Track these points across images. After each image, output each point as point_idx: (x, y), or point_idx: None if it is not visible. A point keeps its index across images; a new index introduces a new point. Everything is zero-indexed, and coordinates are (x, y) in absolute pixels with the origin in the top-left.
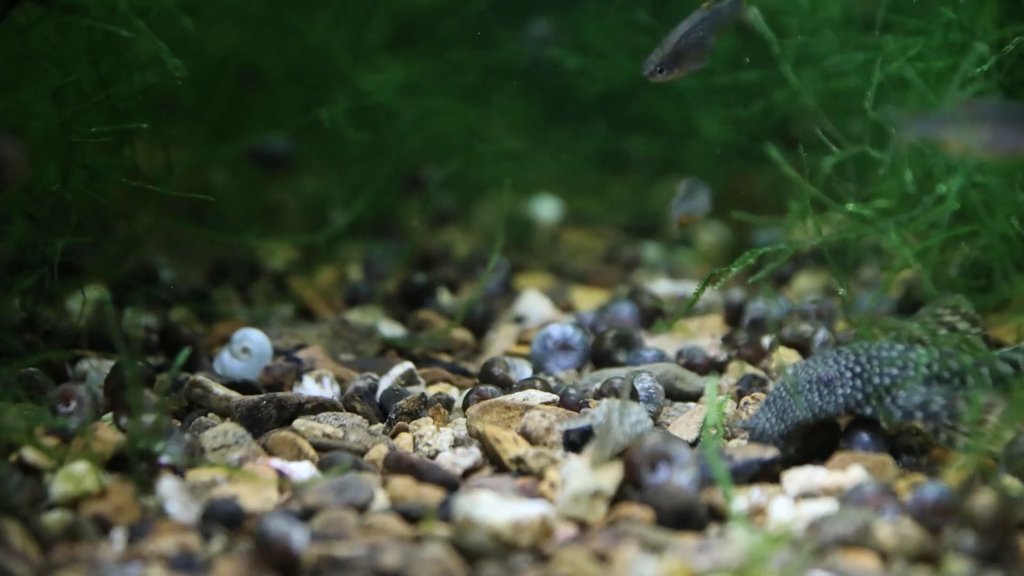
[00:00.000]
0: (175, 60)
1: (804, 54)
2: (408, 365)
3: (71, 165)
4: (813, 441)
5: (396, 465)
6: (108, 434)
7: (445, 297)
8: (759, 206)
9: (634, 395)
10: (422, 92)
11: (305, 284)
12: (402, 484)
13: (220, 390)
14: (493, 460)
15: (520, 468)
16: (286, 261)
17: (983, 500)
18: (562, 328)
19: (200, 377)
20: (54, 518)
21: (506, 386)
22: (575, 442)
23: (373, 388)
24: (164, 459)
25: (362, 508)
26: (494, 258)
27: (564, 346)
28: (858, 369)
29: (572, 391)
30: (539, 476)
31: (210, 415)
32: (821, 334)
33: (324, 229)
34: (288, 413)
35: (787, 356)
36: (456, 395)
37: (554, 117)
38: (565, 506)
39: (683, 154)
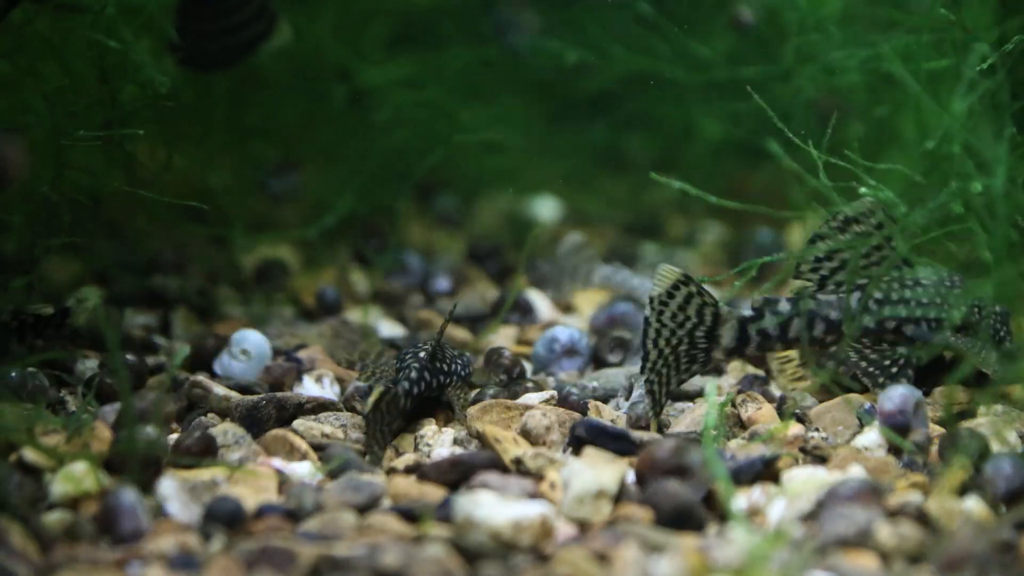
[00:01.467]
0: (163, 78)
1: (805, 51)
2: None
3: (65, 165)
4: None
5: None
6: (107, 433)
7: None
8: (758, 205)
9: None
10: (423, 91)
11: (305, 283)
12: (404, 483)
13: (220, 390)
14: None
15: (519, 468)
16: (261, 259)
17: None
18: (569, 332)
19: (200, 377)
20: (54, 518)
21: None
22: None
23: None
24: None
25: (368, 508)
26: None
27: (571, 351)
28: None
29: (574, 391)
30: (539, 476)
31: (210, 415)
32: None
33: (319, 226)
34: (288, 413)
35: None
36: None
37: (555, 116)
38: (570, 508)
39: (682, 153)
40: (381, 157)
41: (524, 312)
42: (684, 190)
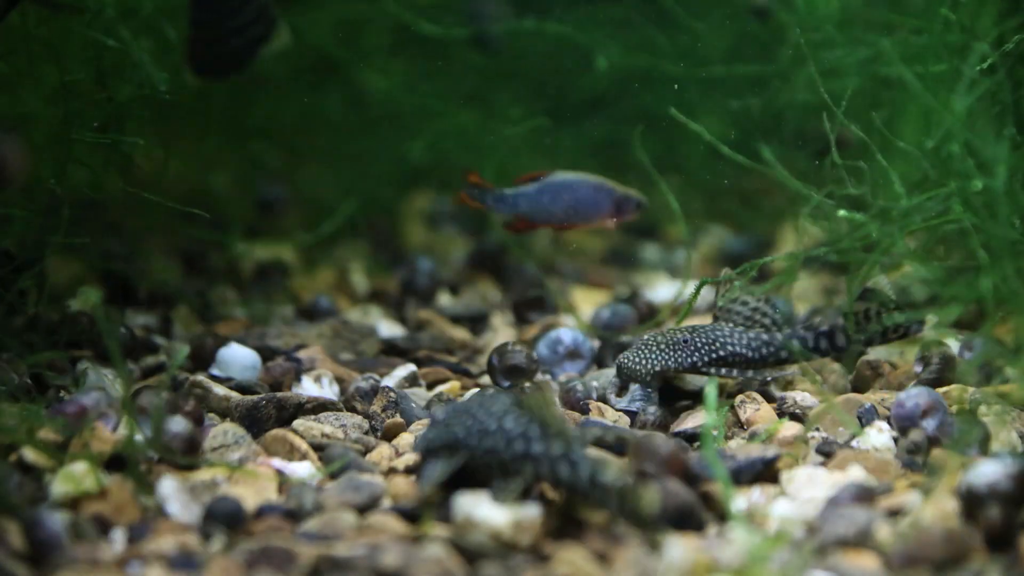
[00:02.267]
0: (162, 74)
1: (803, 52)
2: (411, 367)
3: (64, 165)
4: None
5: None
6: (107, 434)
7: (446, 298)
8: (757, 206)
9: None
10: (422, 92)
11: (305, 282)
12: (404, 483)
13: (220, 390)
14: None
15: None
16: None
17: None
18: (573, 334)
19: (200, 377)
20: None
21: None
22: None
23: (375, 389)
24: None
25: (368, 508)
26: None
27: (574, 353)
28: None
29: (579, 386)
30: None
31: (209, 415)
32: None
33: (320, 229)
34: (288, 413)
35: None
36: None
37: (554, 115)
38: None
39: (682, 153)
40: (380, 158)
41: (544, 311)
42: (698, 132)
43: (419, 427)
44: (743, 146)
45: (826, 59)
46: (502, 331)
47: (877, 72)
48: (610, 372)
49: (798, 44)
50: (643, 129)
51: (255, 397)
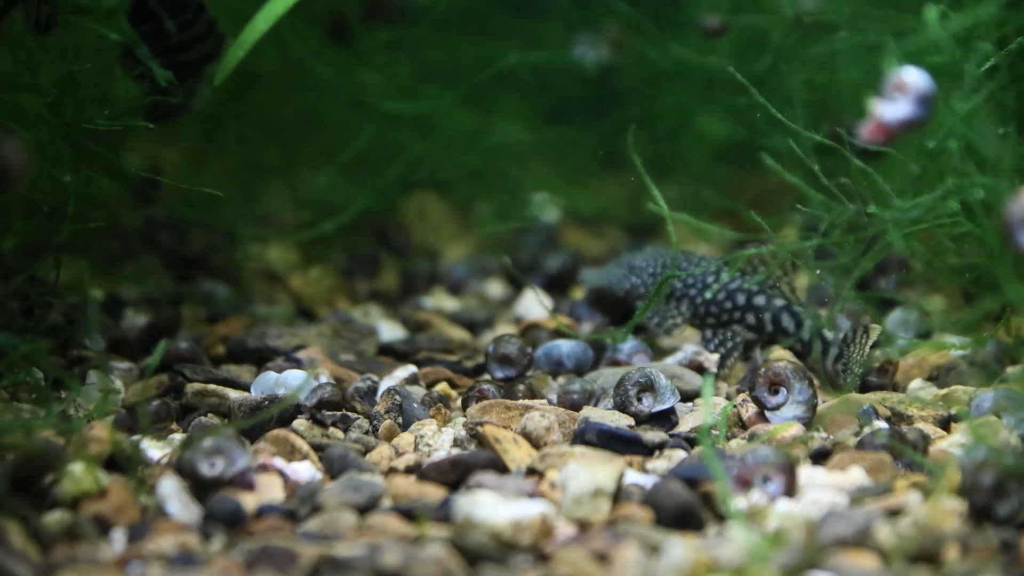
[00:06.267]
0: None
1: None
2: (411, 368)
3: (75, 160)
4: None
5: None
6: (105, 433)
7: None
8: (760, 207)
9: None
10: (422, 91)
11: (305, 284)
12: (404, 483)
13: (235, 395)
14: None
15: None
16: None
17: None
18: (571, 347)
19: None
20: (54, 518)
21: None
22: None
23: (373, 389)
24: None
25: (368, 508)
26: None
27: (578, 372)
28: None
29: (575, 388)
30: (539, 475)
31: (209, 415)
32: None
33: (318, 229)
34: (288, 413)
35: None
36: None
37: (554, 115)
38: (568, 508)
39: (683, 154)
40: (380, 158)
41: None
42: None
43: (418, 427)
44: (746, 145)
45: (824, 53)
46: (502, 330)
47: (876, 66)
48: (608, 372)
49: (796, 41)
50: (643, 129)
51: (258, 397)
